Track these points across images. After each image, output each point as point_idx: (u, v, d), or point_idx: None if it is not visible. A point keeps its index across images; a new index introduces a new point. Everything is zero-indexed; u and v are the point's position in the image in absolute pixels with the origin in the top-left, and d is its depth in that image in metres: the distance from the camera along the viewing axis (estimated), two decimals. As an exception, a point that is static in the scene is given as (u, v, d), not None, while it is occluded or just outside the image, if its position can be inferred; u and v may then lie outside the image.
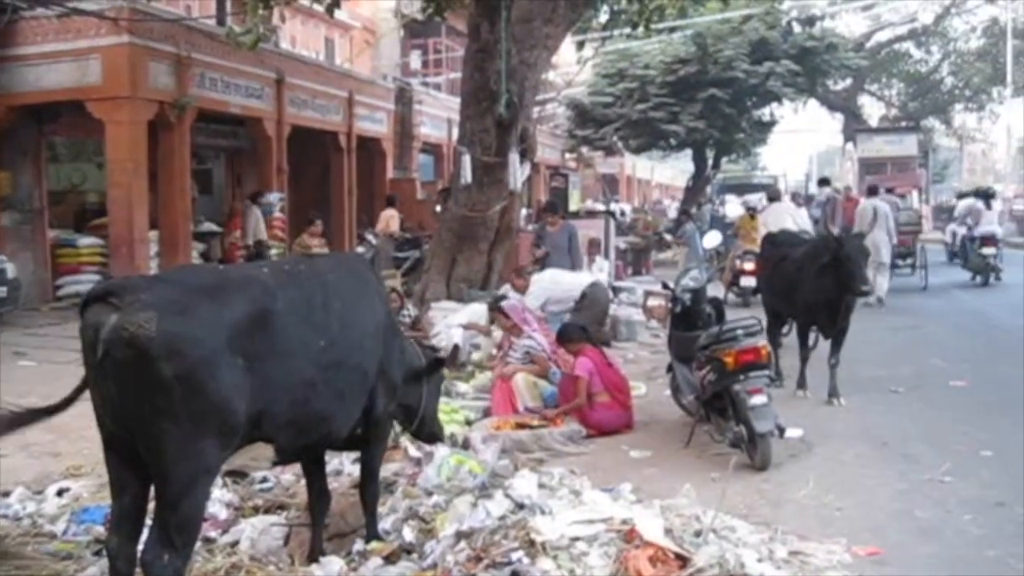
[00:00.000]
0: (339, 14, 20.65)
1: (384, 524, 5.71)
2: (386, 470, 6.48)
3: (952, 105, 52.79)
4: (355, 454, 5.94)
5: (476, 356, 11.12)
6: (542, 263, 13.25)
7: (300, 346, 4.57)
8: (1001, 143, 51.59)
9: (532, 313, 10.14)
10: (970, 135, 58.53)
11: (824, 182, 20.76)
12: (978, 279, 20.51)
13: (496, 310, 10.09)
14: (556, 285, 11.60)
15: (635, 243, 23.76)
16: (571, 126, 32.88)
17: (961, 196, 25.74)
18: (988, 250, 20.32)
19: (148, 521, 4.30)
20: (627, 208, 34.96)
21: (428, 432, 6.36)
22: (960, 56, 51.19)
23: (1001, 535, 5.81)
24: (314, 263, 5.43)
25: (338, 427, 5.02)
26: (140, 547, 4.15)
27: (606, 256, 16.36)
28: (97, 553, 5.27)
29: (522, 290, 11.43)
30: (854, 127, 46.63)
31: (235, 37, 13.94)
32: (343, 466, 6.82)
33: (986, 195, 22.62)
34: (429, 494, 6.07)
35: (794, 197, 17.70)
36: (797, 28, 30.74)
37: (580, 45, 27.70)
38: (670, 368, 9.06)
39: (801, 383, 9.94)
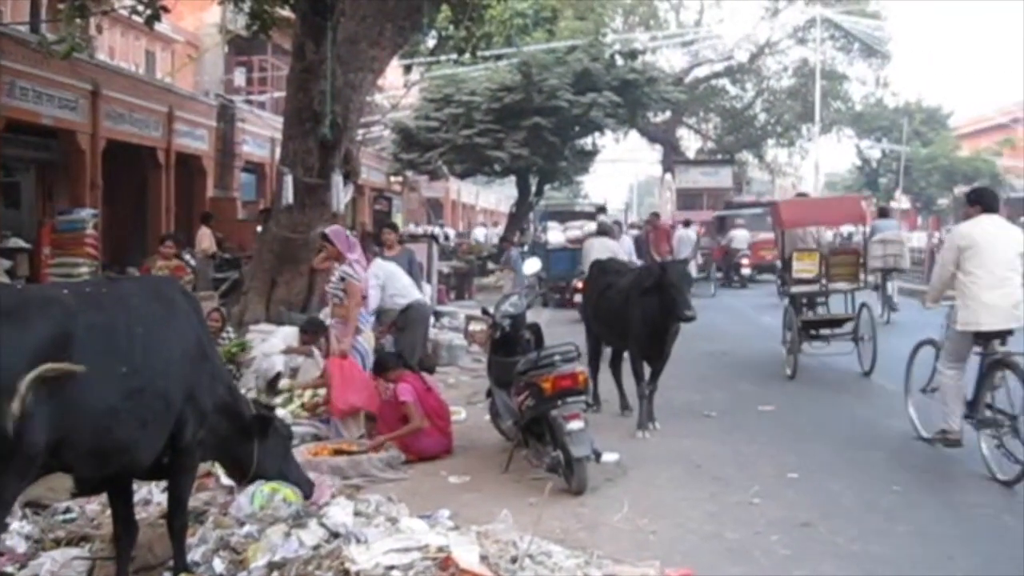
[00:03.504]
0: (161, 27, 20.16)
1: (193, 555, 5.50)
2: (197, 499, 6.28)
3: (765, 140, 55.06)
4: (165, 483, 5.71)
5: (285, 382, 10.82)
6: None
7: (101, 372, 4.38)
8: (809, 177, 53.98)
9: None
10: (781, 169, 60.97)
11: (601, 210, 20.99)
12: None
13: (306, 332, 10.10)
14: (397, 280, 11.40)
15: (458, 267, 23.83)
16: (396, 149, 32.79)
17: None
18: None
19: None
20: (486, 231, 35.12)
21: None
22: (773, 94, 53.57)
23: (807, 554, 6.03)
24: (118, 286, 5.23)
25: (142, 456, 4.82)
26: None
27: (428, 280, 16.32)
28: None
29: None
30: (673, 158, 48.23)
31: (48, 45, 13.36)
32: (152, 495, 6.56)
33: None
34: (241, 524, 5.88)
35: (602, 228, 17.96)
36: (620, 61, 31.45)
37: (407, 69, 27.70)
38: (490, 393, 9.09)
39: (643, 422, 9.49)
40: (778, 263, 15.24)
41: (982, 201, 8.20)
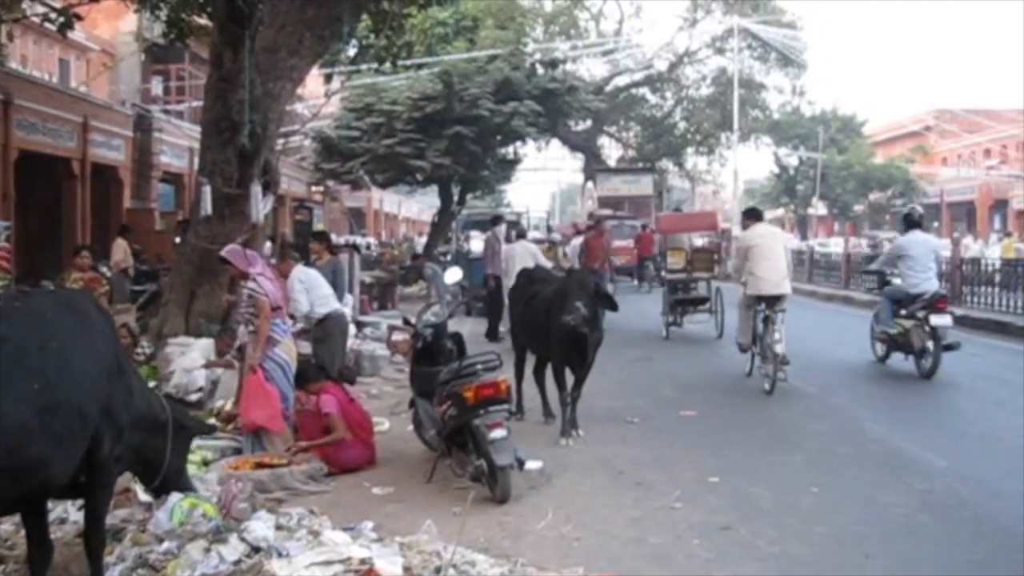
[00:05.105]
0: (75, 35, 19.85)
1: (111, 574, 5.40)
2: (114, 516, 6.15)
3: (685, 148, 55.79)
4: (81, 501, 5.59)
5: (218, 403, 10.69)
6: None
7: (13, 388, 4.28)
8: (729, 185, 54.71)
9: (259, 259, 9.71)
10: (701, 177, 61.76)
11: (496, 220, 20.53)
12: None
13: (221, 338, 9.95)
14: (319, 288, 11.26)
15: (381, 277, 23.68)
16: (317, 159, 32.50)
17: None
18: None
19: None
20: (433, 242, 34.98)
21: (173, 490, 6.10)
22: (692, 102, 54.32)
23: (728, 557, 6.11)
24: (31, 299, 5.11)
25: (57, 474, 4.71)
26: None
27: (351, 290, 16.22)
28: None
29: (284, 274, 11.01)
30: (594, 167, 48.64)
31: (-45, 55, 13.10)
32: (68, 514, 6.40)
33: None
34: (160, 540, 5.76)
35: (520, 231, 17.93)
36: (540, 70, 31.59)
37: (327, 78, 27.56)
38: (413, 403, 9.07)
39: (566, 429, 9.50)
40: (659, 258, 20.75)
41: (754, 215, 13.20)
